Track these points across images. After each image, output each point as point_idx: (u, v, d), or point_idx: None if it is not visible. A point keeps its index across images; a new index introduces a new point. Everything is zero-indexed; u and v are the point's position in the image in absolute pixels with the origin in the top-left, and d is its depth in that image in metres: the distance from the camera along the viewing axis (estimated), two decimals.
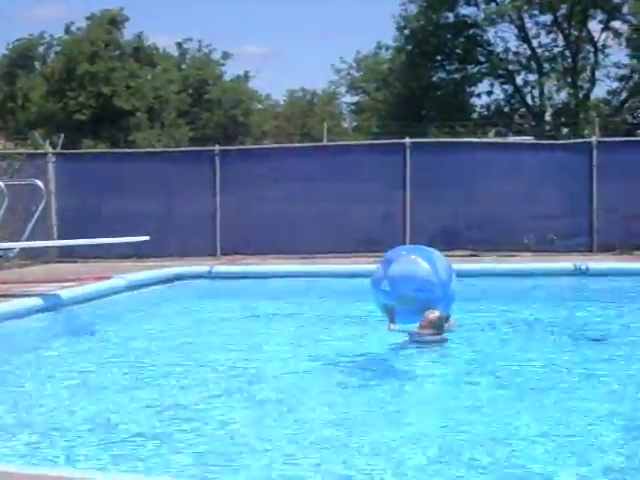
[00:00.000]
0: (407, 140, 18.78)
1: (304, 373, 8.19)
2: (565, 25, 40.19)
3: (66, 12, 79.96)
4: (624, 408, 6.73)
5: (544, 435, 6.00)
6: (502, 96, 42.42)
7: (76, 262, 18.14)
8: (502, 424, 6.29)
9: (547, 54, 40.99)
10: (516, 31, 40.70)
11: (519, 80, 41.83)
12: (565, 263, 15.29)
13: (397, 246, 11.05)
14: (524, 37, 40.66)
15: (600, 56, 40.33)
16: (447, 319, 9.21)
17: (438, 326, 8.97)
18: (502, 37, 40.99)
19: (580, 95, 39.78)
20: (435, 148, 19.57)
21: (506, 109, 42.47)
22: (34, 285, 13.12)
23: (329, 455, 5.70)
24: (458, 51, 41.72)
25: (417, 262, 9.21)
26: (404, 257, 9.49)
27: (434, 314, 8.91)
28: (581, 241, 18.21)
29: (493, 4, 40.38)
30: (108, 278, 13.91)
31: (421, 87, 41.47)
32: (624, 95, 41.02)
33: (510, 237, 18.14)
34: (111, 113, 42.83)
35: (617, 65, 40.34)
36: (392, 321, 9.08)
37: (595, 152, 18.09)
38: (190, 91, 49.27)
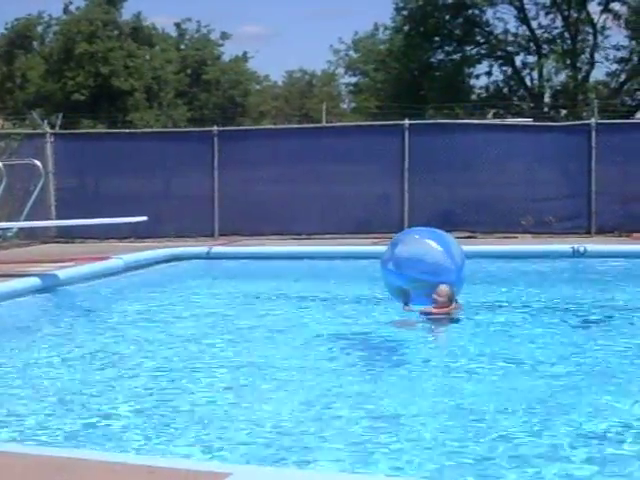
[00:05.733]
0: (406, 122, 18.76)
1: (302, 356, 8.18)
2: (564, 6, 40.01)
3: None
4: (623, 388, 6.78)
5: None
6: (501, 77, 42.36)
7: (74, 242, 18.16)
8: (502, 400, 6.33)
9: (546, 35, 40.83)
10: (515, 12, 40.55)
11: (518, 61, 41.71)
12: (563, 245, 15.31)
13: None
14: (523, 18, 40.50)
15: (599, 38, 40.18)
16: (456, 302, 9.35)
17: (453, 298, 9.16)
18: (501, 18, 40.78)
19: (579, 77, 39.65)
20: (434, 129, 19.51)
21: (505, 90, 42.35)
22: (32, 265, 13.13)
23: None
24: (457, 32, 41.56)
25: (431, 245, 9.31)
26: (416, 240, 9.58)
27: (447, 288, 9.05)
28: (579, 223, 18.23)
29: None
30: (106, 258, 13.93)
31: (420, 68, 41.36)
32: (623, 77, 40.89)
33: (508, 219, 18.14)
34: (109, 93, 42.74)
35: (616, 47, 40.21)
36: (407, 303, 9.25)
37: (594, 134, 18.06)
38: (188, 71, 49.17)
